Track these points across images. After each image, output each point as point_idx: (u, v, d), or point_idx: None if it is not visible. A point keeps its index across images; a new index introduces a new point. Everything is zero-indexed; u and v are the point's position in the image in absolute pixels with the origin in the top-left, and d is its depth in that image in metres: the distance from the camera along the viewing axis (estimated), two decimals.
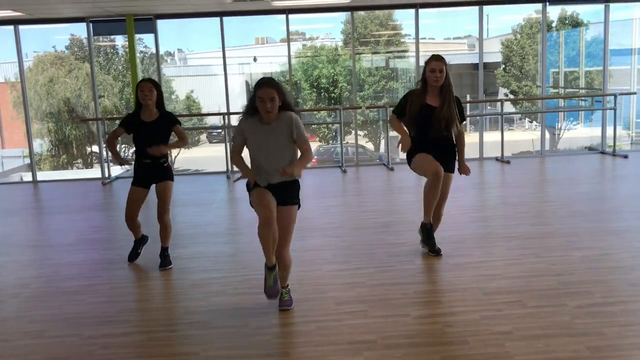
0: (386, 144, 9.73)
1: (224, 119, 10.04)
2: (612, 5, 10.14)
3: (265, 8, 9.45)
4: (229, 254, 5.29)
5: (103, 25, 9.65)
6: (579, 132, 21.76)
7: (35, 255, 5.54)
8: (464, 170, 4.81)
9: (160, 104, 4.76)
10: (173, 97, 25.05)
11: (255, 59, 26.64)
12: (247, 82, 26.12)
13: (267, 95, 3.47)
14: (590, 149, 14.38)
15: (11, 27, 9.58)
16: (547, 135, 22.73)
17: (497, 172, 9.12)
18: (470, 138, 25.52)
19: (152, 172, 4.78)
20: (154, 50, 21.76)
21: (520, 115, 24.59)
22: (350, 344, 3.32)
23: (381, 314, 3.71)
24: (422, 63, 14.00)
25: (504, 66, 25.39)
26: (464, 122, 4.68)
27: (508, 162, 9.52)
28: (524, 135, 27.78)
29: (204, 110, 25.67)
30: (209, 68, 28.31)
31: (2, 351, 3.43)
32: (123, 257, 5.05)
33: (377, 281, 4.29)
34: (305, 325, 3.64)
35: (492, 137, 11.42)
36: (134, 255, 5.00)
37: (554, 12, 24.54)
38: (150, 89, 4.65)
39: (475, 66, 26.82)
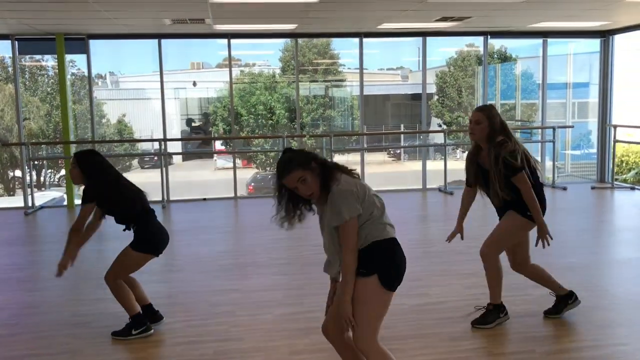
0: None
1: (160, 145, 9.52)
2: (549, 40, 10.41)
3: (207, 32, 9.09)
4: (165, 295, 4.81)
5: (30, 44, 9.01)
6: None
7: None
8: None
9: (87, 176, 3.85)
10: (104, 120, 24.09)
11: (194, 84, 26.14)
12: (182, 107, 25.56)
13: (293, 183, 2.64)
14: None
15: None
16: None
17: (440, 203, 9.06)
18: (408, 167, 25.71)
19: None
20: (85, 72, 20.95)
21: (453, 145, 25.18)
22: None
23: None
24: (367, 92, 13.92)
25: (437, 97, 26.01)
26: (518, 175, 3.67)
27: (451, 193, 9.48)
28: (456, 165, 28.41)
29: (136, 135, 24.81)
30: (142, 92, 27.54)
31: None
32: (48, 299, 4.51)
33: None
34: None
35: (428, 166, 11.50)
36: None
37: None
38: (72, 165, 3.86)
39: (410, 96, 27.39)
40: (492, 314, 3.90)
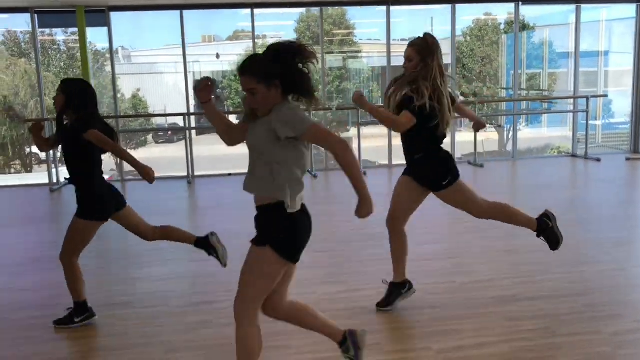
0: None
1: (184, 119, 9.35)
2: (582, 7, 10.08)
3: (230, 1, 8.85)
4: (206, 273, 4.69)
5: (50, 16, 8.81)
6: (523, 134, 22.05)
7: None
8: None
9: (72, 108, 3.54)
10: (119, 95, 23.93)
11: (217, 56, 25.78)
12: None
13: (244, 87, 2.36)
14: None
15: None
16: (497, 136, 23.00)
17: (471, 176, 8.85)
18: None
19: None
20: (98, 47, 20.67)
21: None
22: None
23: (398, 348, 3.26)
24: (395, 62, 13.61)
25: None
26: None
27: (482, 165, 9.26)
28: (472, 137, 27.99)
29: (150, 110, 24.66)
30: (154, 66, 27.31)
31: None
32: (85, 279, 4.39)
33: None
34: None
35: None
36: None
37: (502, 15, 24.85)
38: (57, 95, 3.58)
39: None
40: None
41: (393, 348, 3.25)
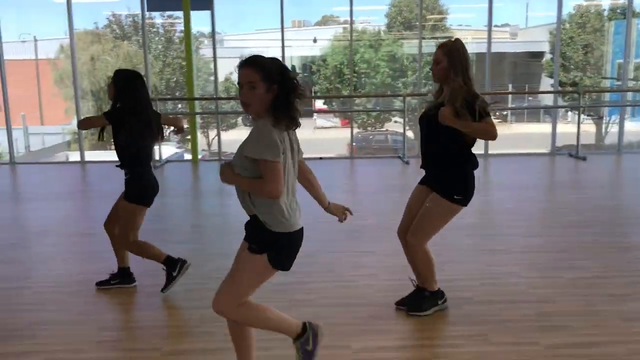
0: None
1: None
2: None
3: None
4: (307, 253, 4.73)
5: (157, 0, 9.18)
6: (626, 127, 20.79)
7: (92, 246, 5.09)
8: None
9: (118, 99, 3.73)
10: (212, 78, 24.68)
11: (315, 40, 25.95)
12: (293, 66, 25.56)
13: (243, 79, 2.33)
14: None
15: (63, 2, 9.19)
16: (594, 128, 21.83)
17: (573, 170, 8.47)
18: (515, 129, 24.40)
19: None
20: (193, 30, 21.21)
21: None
22: None
23: (505, 340, 3.17)
24: (478, 49, 13.19)
25: (551, 56, 24.39)
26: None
27: (584, 158, 8.83)
28: (567, 128, 26.82)
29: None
30: (246, 50, 27.86)
31: None
32: (190, 250, 4.57)
33: (487, 297, 3.74)
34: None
35: (534, 129, 10.90)
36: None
37: (606, 1, 23.46)
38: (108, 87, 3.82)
39: (529, 55, 25.91)
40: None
41: (500, 340, 3.17)
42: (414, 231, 3.36)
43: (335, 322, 3.43)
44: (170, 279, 3.83)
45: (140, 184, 3.80)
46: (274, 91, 2.30)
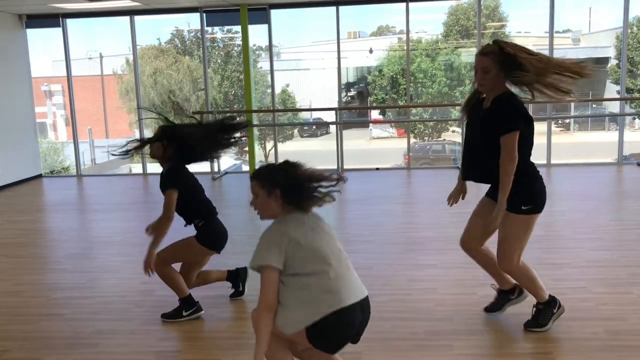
0: None
1: (336, 114, 9.51)
2: None
3: None
4: (364, 266, 4.68)
5: (216, 15, 9.38)
6: None
7: None
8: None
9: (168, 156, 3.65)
10: (269, 91, 25.08)
11: (371, 51, 26.01)
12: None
13: (251, 191, 2.54)
14: None
15: (127, 18, 9.53)
16: None
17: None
18: (578, 137, 23.49)
19: None
20: (250, 44, 21.42)
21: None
22: None
23: None
24: (557, 54, 12.89)
25: (617, 62, 23.47)
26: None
27: None
28: (634, 136, 25.63)
29: (297, 105, 25.47)
30: (300, 62, 28.18)
31: None
32: (247, 262, 4.60)
33: None
34: None
35: (599, 137, 10.48)
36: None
37: None
38: (157, 146, 3.67)
39: (586, 61, 25.02)
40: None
41: (567, 359, 3.02)
42: (501, 258, 3.19)
43: (391, 337, 3.37)
44: (177, 315, 3.70)
45: (213, 231, 3.75)
46: (277, 195, 2.43)
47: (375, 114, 25.45)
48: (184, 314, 3.70)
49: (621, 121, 9.99)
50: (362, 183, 8.66)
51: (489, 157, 3.05)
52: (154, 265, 3.57)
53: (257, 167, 2.54)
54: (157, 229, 3.60)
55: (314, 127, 28.11)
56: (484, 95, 3.17)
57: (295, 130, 28.43)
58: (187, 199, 3.65)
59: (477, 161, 3.20)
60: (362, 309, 2.46)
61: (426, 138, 25.84)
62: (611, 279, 4.17)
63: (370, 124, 28.35)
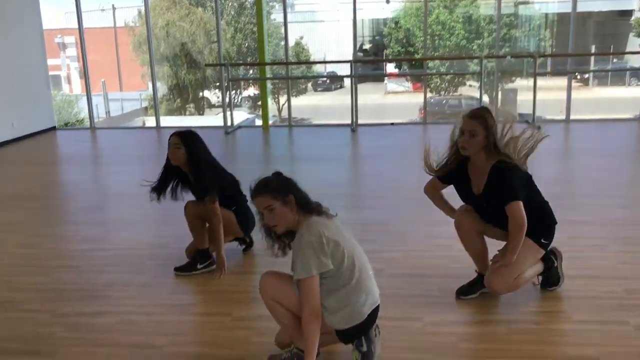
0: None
1: (351, 67, 9.31)
2: None
3: None
4: (379, 222, 4.62)
5: None
6: None
7: (167, 210, 5.16)
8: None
9: (196, 163, 3.64)
10: (282, 43, 24.68)
11: (388, 1, 25.36)
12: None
13: (260, 207, 2.46)
14: None
15: None
16: None
17: None
18: (597, 93, 23.06)
19: None
20: None
21: None
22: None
23: (589, 319, 2.97)
24: (562, 9, 12.42)
25: None
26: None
27: None
28: None
29: (310, 59, 25.06)
30: (314, 14, 27.61)
31: (142, 327, 3.03)
32: None
33: (569, 271, 3.52)
34: None
35: (618, 93, 10.22)
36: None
37: None
38: (176, 146, 3.63)
39: (610, 14, 24.29)
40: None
41: (583, 318, 2.96)
42: (496, 277, 3.03)
43: (406, 293, 3.33)
44: (191, 268, 3.69)
45: (247, 217, 3.79)
46: (291, 201, 2.40)
47: (390, 68, 25.00)
48: (199, 266, 3.69)
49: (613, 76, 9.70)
50: (377, 139, 8.54)
51: (496, 215, 3.05)
52: (186, 208, 3.71)
53: (258, 180, 2.48)
54: (212, 233, 3.65)
55: (327, 81, 27.76)
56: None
57: (309, 85, 28.10)
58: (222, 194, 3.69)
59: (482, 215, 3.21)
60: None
61: (442, 92, 25.44)
62: (631, 238, 4.09)
63: (386, 78, 27.92)
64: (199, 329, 3.04)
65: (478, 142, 2.96)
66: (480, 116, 2.97)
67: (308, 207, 2.45)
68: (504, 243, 3.09)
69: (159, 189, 3.78)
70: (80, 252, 4.19)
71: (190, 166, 3.65)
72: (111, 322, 3.07)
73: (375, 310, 2.48)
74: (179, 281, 3.61)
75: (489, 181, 3.01)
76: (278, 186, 2.43)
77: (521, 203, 2.91)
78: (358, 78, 9.65)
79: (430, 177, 3.35)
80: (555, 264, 3.25)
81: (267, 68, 10.61)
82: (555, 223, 3.13)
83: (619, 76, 24.44)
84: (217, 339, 2.88)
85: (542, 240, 3.07)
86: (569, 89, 9.29)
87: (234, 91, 24.45)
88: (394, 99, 27.08)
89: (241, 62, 22.60)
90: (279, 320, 2.56)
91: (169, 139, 3.65)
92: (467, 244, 3.29)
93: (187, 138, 3.64)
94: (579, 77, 24.02)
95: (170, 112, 23.51)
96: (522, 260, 3.01)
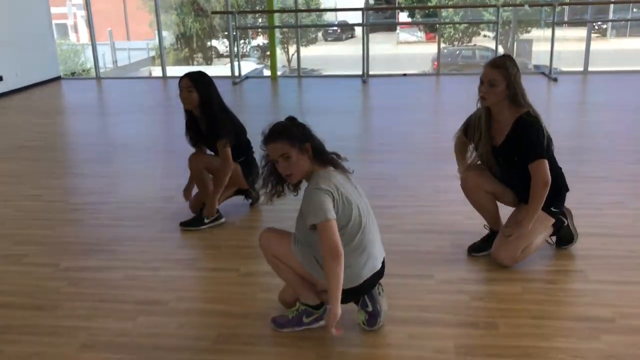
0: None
1: (362, 15, 9.02)
2: None
3: None
4: (390, 176, 4.50)
5: None
6: None
7: (172, 162, 5.08)
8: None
9: (209, 107, 3.51)
10: None
11: None
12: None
13: (275, 154, 2.28)
14: None
15: None
16: None
17: None
18: (614, 44, 22.50)
19: None
20: None
21: None
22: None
23: (607, 279, 2.88)
24: None
25: None
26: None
27: None
28: None
29: (322, 6, 24.48)
30: None
31: (147, 282, 2.97)
32: None
33: (587, 229, 3.41)
34: None
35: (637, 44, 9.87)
36: None
37: None
38: (188, 89, 3.48)
39: None
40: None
41: (601, 277, 2.87)
42: (505, 248, 2.93)
43: (418, 250, 3.24)
44: (198, 222, 3.59)
45: (253, 168, 3.69)
46: (308, 149, 2.26)
47: (403, 17, 24.40)
48: (206, 221, 3.60)
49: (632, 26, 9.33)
50: (389, 90, 8.35)
51: (510, 173, 2.96)
52: (191, 160, 3.61)
53: (272, 125, 2.32)
54: (217, 178, 3.56)
55: (338, 30, 27.17)
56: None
57: (320, 34, 27.53)
58: (234, 142, 3.57)
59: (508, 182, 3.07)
60: (382, 267, 2.45)
61: (456, 43, 24.89)
62: None
63: (398, 27, 27.28)
64: (205, 285, 2.98)
65: (498, 92, 2.81)
66: (501, 65, 2.80)
67: (324, 157, 2.31)
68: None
69: (193, 135, 3.68)
70: (85, 205, 4.12)
71: (202, 110, 3.53)
72: (116, 277, 3.02)
73: (375, 276, 2.38)
74: (185, 236, 3.53)
75: (511, 133, 2.86)
76: (295, 132, 2.27)
77: (546, 162, 2.79)
78: (370, 28, 9.37)
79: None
80: (566, 223, 3.14)
81: (276, 16, 10.31)
82: (567, 190, 3.02)
83: (638, 26, 23.73)
84: (222, 295, 2.82)
85: (552, 209, 2.96)
86: (589, 39, 8.97)
87: (242, 40, 24.06)
88: (407, 49, 26.54)
89: (249, 9, 22.12)
90: (282, 277, 2.49)
91: (180, 82, 3.52)
92: (475, 202, 3.17)
93: (199, 80, 3.51)
94: (596, 27, 23.35)
95: (178, 62, 23.19)
96: (532, 232, 2.92)
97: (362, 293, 2.41)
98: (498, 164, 3.00)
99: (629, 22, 23.17)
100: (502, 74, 2.78)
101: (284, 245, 2.40)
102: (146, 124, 6.82)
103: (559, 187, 2.97)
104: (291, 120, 2.35)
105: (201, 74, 3.56)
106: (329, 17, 24.91)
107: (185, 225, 3.61)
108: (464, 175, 3.13)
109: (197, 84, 3.48)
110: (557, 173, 2.95)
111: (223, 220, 3.67)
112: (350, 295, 2.36)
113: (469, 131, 3.09)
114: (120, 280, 2.98)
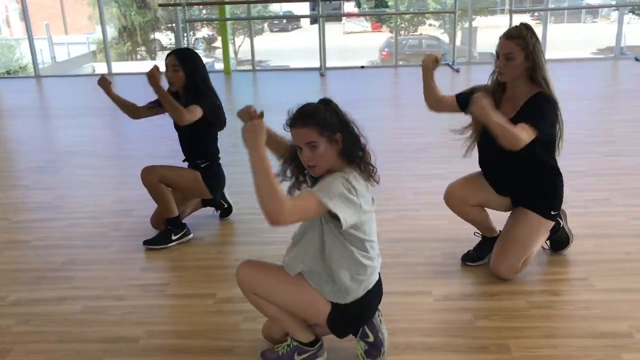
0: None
1: (317, 4, 8.73)
2: None
3: None
4: None
5: None
6: None
7: (127, 169, 4.69)
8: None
9: (193, 88, 3.19)
10: None
11: None
12: None
13: (300, 141, 1.95)
14: None
15: None
16: None
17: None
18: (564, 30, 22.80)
19: None
20: None
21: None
22: None
23: (613, 287, 2.71)
24: None
25: None
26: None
27: None
28: (611, 29, 24.91)
29: None
30: None
31: (111, 315, 2.62)
32: (229, 168, 4.14)
33: (579, 229, 3.25)
34: None
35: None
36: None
37: None
38: (175, 68, 3.17)
39: None
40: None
41: (606, 285, 2.70)
42: (504, 261, 2.71)
43: (408, 261, 3.00)
44: (164, 240, 3.23)
45: (218, 175, 3.39)
46: (337, 141, 1.94)
47: (349, 7, 24.20)
48: (173, 237, 3.25)
49: (621, 14, 9.45)
50: (347, 82, 8.11)
51: (524, 176, 2.69)
52: (143, 175, 3.18)
53: (302, 105, 1.97)
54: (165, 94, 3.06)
55: (284, 20, 26.76)
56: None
57: (265, 25, 27.05)
58: (205, 135, 3.26)
59: (503, 179, 2.80)
60: (380, 283, 2.17)
61: (402, 32, 24.88)
62: (636, 189, 3.84)
63: (343, 18, 27.06)
64: (179, 316, 2.63)
65: (516, 66, 2.54)
66: (517, 36, 2.52)
67: (353, 155, 1.99)
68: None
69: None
70: (31, 222, 3.70)
71: (188, 90, 3.18)
72: (74, 309, 2.65)
73: (372, 298, 2.11)
74: (150, 256, 3.18)
75: (523, 107, 2.57)
76: (328, 119, 1.94)
77: (534, 137, 2.43)
78: (313, 19, 9.08)
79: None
80: (562, 224, 2.96)
81: (227, 7, 9.88)
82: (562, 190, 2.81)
83: (575, 14, 24.32)
84: (200, 327, 2.49)
85: (552, 212, 2.75)
86: (545, 26, 8.97)
87: (185, 33, 23.36)
88: (353, 39, 26.38)
89: (199, 1, 21.39)
90: (267, 315, 2.17)
91: (166, 60, 3.19)
92: (463, 216, 2.95)
93: (186, 58, 3.18)
94: (536, 14, 23.75)
95: (120, 57, 22.29)
96: (533, 242, 2.72)
97: (363, 321, 2.14)
98: (494, 151, 2.58)
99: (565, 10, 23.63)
100: (520, 44, 2.51)
101: (267, 281, 2.08)
102: (95, 127, 6.34)
103: (558, 188, 2.77)
104: (326, 103, 2.00)
105: (188, 51, 3.27)
106: (273, 7, 24.43)
107: (150, 243, 3.25)
108: (446, 191, 2.91)
109: (184, 62, 3.16)
110: (558, 173, 2.76)
111: (191, 236, 3.33)
112: (348, 323, 2.11)
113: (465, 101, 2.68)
114: (79, 314, 2.61)
